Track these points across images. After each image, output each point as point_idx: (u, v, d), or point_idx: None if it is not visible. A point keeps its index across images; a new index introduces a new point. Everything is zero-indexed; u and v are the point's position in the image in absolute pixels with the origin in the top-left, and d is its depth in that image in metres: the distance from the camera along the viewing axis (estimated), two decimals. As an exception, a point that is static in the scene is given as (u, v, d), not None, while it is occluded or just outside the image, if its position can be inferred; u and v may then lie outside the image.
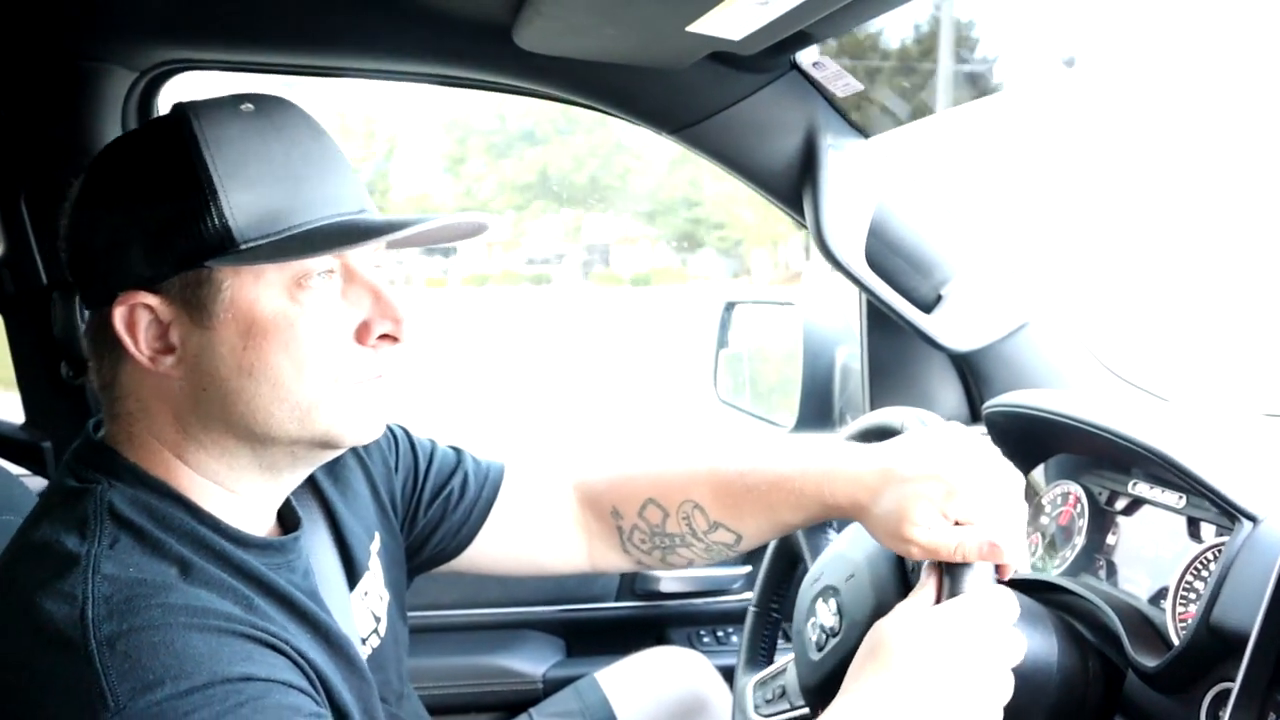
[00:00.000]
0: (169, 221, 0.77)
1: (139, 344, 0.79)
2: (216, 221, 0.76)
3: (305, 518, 0.94)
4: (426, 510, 1.12)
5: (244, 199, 0.77)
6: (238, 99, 0.81)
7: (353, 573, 0.99)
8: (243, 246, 0.77)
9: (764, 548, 1.45)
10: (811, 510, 1.04)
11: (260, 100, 0.82)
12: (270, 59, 1.41)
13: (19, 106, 1.39)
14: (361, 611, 1.00)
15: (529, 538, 1.18)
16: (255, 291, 0.78)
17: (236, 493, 0.84)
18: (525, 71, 1.40)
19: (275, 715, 0.71)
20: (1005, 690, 0.84)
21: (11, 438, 1.59)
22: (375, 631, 1.01)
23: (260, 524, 0.88)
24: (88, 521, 0.76)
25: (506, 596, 1.73)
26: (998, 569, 0.91)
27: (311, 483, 0.98)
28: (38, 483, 1.61)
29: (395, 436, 1.12)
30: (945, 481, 0.92)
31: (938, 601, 0.89)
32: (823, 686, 1.08)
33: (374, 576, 1.03)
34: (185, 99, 0.83)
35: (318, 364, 0.81)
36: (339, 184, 0.83)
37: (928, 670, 0.81)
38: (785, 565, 1.34)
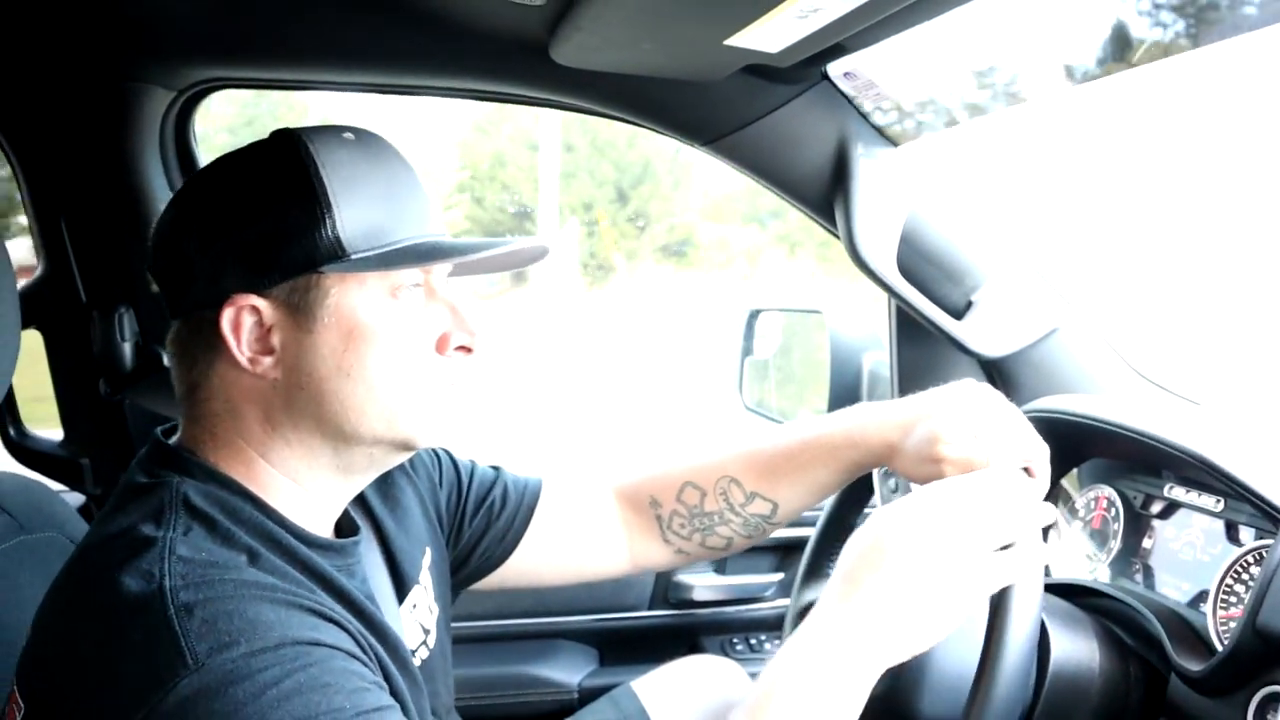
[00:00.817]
0: (285, 231, 0.83)
1: (241, 345, 0.84)
2: (330, 233, 0.84)
3: (361, 528, 0.99)
4: (471, 521, 1.17)
5: (353, 214, 0.85)
6: (339, 129, 0.89)
7: (401, 586, 1.03)
8: (354, 257, 0.84)
9: (795, 563, 1.45)
10: (844, 462, 1.12)
11: (357, 131, 0.90)
12: (306, 76, 1.43)
13: (60, 127, 1.41)
14: (410, 624, 1.03)
15: (571, 542, 1.22)
16: (357, 299, 0.86)
17: (309, 491, 0.90)
18: (560, 86, 1.41)
19: (342, 678, 0.75)
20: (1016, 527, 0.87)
21: (50, 454, 1.60)
22: (424, 644, 1.05)
23: (323, 526, 0.92)
24: (163, 510, 0.81)
25: (540, 606, 1.74)
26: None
27: (361, 501, 1.02)
28: (76, 498, 1.62)
29: (438, 456, 1.18)
30: (972, 407, 1.03)
31: None
32: None
33: (424, 590, 1.07)
34: (294, 125, 0.90)
35: (407, 369, 0.88)
36: (425, 207, 0.91)
37: (923, 549, 0.84)
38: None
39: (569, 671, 1.73)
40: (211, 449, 0.88)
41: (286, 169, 0.85)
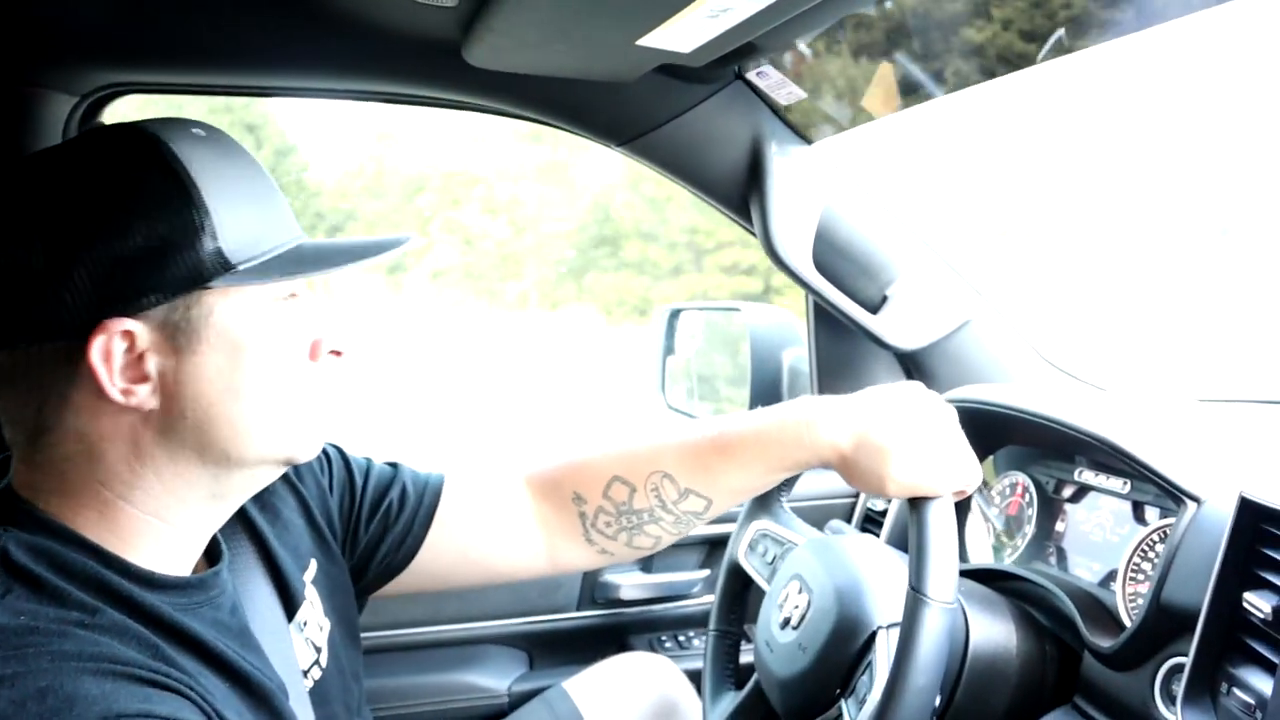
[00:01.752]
0: (164, 244, 0.74)
1: (113, 376, 0.75)
2: (211, 244, 0.76)
3: (233, 550, 0.92)
4: (367, 527, 1.09)
5: (229, 220, 0.77)
6: (186, 123, 0.80)
7: (289, 603, 0.96)
8: (241, 268, 0.77)
9: (719, 559, 1.46)
10: (788, 461, 1.07)
11: (205, 126, 0.81)
12: (215, 80, 1.39)
13: (-46, 135, 1.35)
14: (300, 643, 0.96)
15: (480, 542, 1.14)
16: (240, 313, 0.78)
17: (176, 527, 0.82)
18: (474, 88, 1.40)
19: None
20: None
21: None
22: (316, 663, 0.98)
23: (189, 560, 0.85)
24: None
25: (466, 611, 1.72)
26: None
27: (240, 514, 0.94)
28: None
29: (329, 456, 1.09)
30: (922, 427, 1.01)
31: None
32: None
33: (311, 606, 1.00)
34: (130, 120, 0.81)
35: (291, 382, 0.82)
36: (286, 209, 0.85)
37: None
38: (739, 585, 1.36)
39: (498, 676, 1.71)
40: (57, 496, 0.77)
41: (152, 171, 0.75)
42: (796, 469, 1.10)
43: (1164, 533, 1.15)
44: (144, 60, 1.34)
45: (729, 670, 1.34)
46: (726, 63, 1.29)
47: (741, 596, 1.36)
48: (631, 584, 1.77)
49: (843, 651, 1.07)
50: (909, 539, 0.98)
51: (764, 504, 1.33)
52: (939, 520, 0.97)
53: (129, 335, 0.75)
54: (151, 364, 0.76)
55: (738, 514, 1.37)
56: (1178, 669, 1.01)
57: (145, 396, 0.76)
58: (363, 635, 1.10)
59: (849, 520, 1.75)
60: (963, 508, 1.45)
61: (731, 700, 1.31)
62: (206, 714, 0.72)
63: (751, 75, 1.39)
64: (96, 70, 1.35)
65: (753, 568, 1.31)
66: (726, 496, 1.11)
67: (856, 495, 1.78)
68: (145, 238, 0.74)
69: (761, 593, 1.26)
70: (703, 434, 1.11)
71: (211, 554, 0.89)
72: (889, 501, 1.62)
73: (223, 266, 0.76)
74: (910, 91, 1.41)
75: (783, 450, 1.06)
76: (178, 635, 0.77)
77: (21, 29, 1.22)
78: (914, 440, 1.00)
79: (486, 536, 1.14)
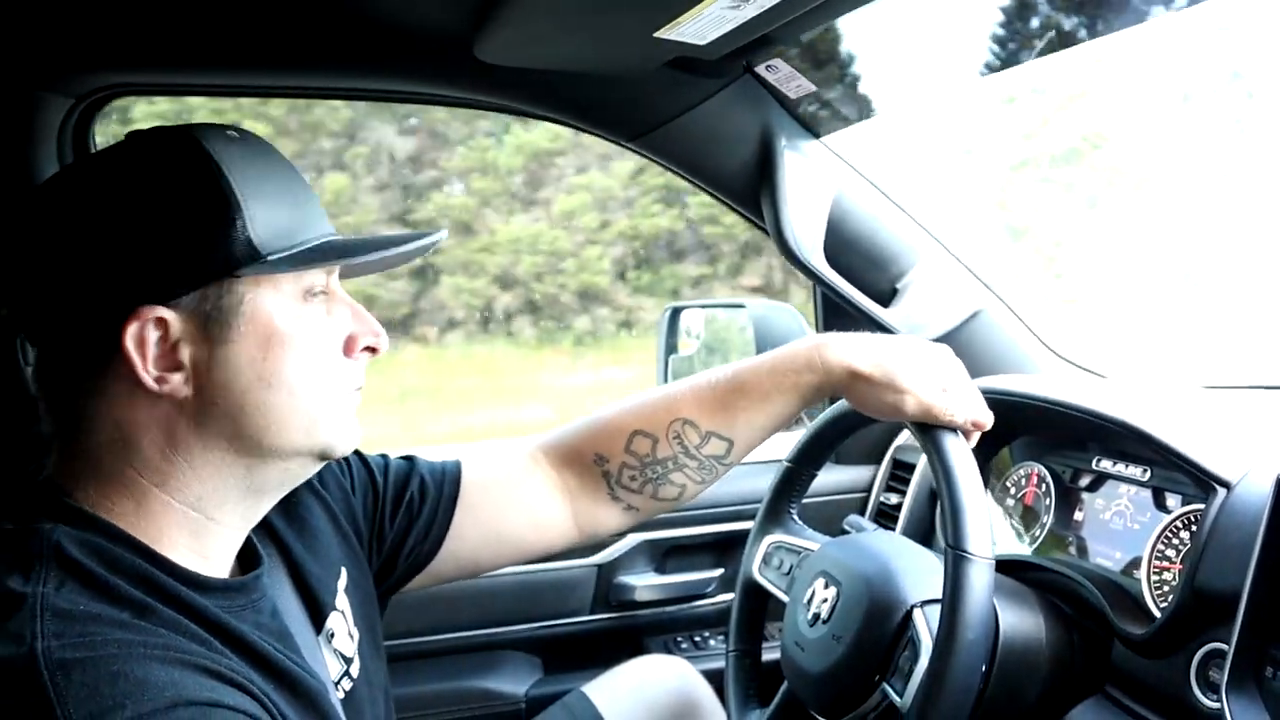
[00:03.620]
0: (196, 235, 0.77)
1: (147, 364, 0.77)
2: (243, 235, 0.78)
3: (265, 557, 0.92)
4: (391, 522, 1.10)
5: (261, 214, 0.80)
6: (221, 127, 0.83)
7: (317, 614, 0.96)
8: (270, 258, 0.80)
9: (734, 557, 1.44)
10: (804, 389, 1.11)
11: (239, 130, 0.84)
12: (216, 81, 1.37)
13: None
14: (329, 654, 0.96)
15: (506, 518, 1.15)
16: (273, 303, 0.81)
17: (214, 520, 0.83)
18: (483, 85, 1.38)
19: None
20: None
21: None
22: (347, 674, 0.98)
23: (224, 560, 0.86)
24: (32, 563, 0.72)
25: (479, 617, 1.70)
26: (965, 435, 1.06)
27: (266, 527, 0.95)
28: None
29: (347, 459, 1.10)
30: (938, 359, 1.07)
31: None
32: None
33: (342, 616, 1.00)
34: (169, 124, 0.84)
35: (323, 374, 0.85)
36: (318, 206, 0.88)
37: None
38: (757, 602, 1.35)
39: (514, 682, 1.70)
40: (94, 486, 0.79)
41: (188, 168, 0.78)
42: (814, 397, 1.13)
43: (1188, 519, 1.14)
44: (142, 61, 1.33)
45: (752, 690, 1.34)
46: (737, 56, 1.28)
47: (759, 614, 1.35)
48: (646, 585, 1.76)
49: (879, 634, 1.07)
50: (934, 479, 1.01)
51: (774, 517, 1.33)
52: (963, 467, 0.99)
53: (162, 323, 0.77)
54: (185, 353, 0.78)
55: (754, 510, 1.36)
56: (1214, 654, 1.00)
57: (178, 384, 0.79)
58: None
59: (863, 515, 1.74)
60: None
61: (759, 717, 1.30)
62: (268, 710, 0.74)
63: (760, 69, 1.38)
64: (95, 72, 1.32)
65: (769, 581, 1.31)
66: (747, 436, 1.14)
67: (868, 490, 1.77)
68: (177, 227, 0.77)
69: (780, 607, 1.25)
70: (718, 377, 1.15)
71: (245, 559, 0.90)
72: (903, 495, 1.61)
73: (252, 257, 0.79)
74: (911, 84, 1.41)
75: (799, 378, 1.10)
76: (225, 635, 0.78)
77: (18, 32, 1.20)
78: (929, 365, 1.06)
79: (511, 512, 1.16)
